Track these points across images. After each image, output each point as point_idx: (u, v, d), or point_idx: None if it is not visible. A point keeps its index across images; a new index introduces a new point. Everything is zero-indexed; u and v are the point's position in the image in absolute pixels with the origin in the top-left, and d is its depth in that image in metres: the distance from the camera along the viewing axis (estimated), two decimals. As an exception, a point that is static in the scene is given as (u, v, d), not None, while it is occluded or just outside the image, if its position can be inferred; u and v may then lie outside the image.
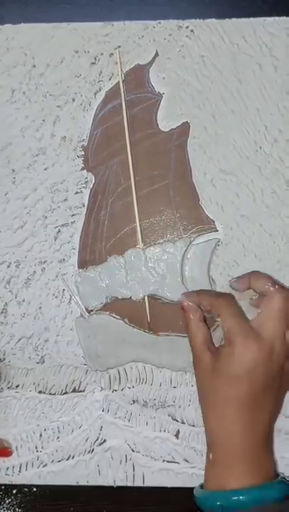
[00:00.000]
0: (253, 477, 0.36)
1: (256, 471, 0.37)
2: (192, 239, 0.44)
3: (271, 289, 0.38)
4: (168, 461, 0.43)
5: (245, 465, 0.37)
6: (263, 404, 0.37)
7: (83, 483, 0.43)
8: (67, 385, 0.44)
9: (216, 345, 0.39)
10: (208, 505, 0.37)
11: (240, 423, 0.37)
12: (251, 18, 0.45)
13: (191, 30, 0.45)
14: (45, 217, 0.45)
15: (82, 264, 0.45)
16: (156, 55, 0.45)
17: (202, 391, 0.39)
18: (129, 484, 0.43)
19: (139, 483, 0.43)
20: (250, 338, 0.37)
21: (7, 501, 0.44)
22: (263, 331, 0.37)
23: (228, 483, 0.36)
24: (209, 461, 0.38)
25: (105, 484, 0.43)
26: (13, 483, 0.44)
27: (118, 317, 0.44)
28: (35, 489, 0.44)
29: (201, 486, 0.38)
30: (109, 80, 0.45)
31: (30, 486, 0.44)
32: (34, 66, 0.46)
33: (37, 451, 0.44)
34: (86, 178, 0.45)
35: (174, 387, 0.44)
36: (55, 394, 0.44)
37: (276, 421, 0.40)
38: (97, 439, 0.44)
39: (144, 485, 0.43)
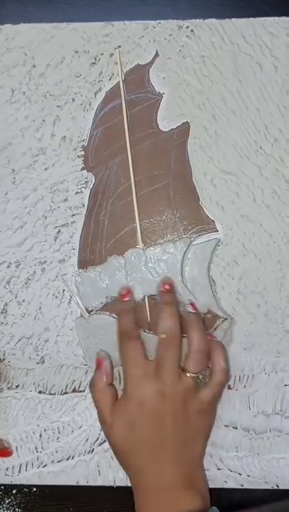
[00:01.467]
0: None
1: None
2: (192, 239, 0.44)
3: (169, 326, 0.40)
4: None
5: (164, 508, 0.37)
6: (168, 445, 0.38)
7: (83, 483, 0.43)
8: (67, 385, 0.44)
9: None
10: None
11: (149, 466, 0.38)
12: (251, 18, 0.45)
13: (191, 30, 0.45)
14: (45, 217, 0.45)
15: (82, 264, 0.45)
16: (157, 55, 0.45)
17: (113, 448, 0.40)
18: (130, 484, 0.43)
19: (139, 483, 0.43)
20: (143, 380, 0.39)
21: (7, 501, 0.44)
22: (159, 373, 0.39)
23: None
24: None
25: (105, 484, 0.43)
26: (13, 483, 0.44)
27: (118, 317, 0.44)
28: (35, 489, 0.44)
29: None
30: (110, 80, 0.45)
31: (30, 486, 0.44)
32: (34, 66, 0.46)
33: (37, 452, 0.44)
34: (86, 178, 0.45)
35: (174, 388, 0.44)
36: (55, 394, 0.44)
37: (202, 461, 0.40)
38: (97, 439, 0.44)
39: (144, 485, 0.43)
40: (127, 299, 0.42)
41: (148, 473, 0.38)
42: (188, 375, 0.39)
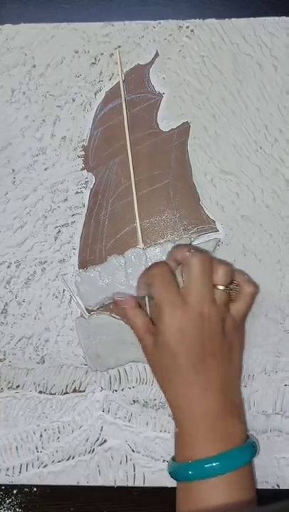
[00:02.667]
0: (219, 444, 0.37)
1: (221, 438, 0.37)
2: (192, 239, 0.44)
3: (187, 254, 0.38)
4: (168, 462, 0.43)
5: (209, 432, 0.37)
6: (211, 368, 0.37)
7: (84, 483, 0.43)
8: (67, 385, 0.44)
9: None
10: (181, 477, 0.38)
11: (192, 391, 0.37)
12: (251, 18, 0.45)
13: (192, 30, 0.45)
14: (46, 217, 0.45)
15: (83, 264, 0.45)
16: (157, 55, 0.45)
17: (154, 370, 0.40)
18: (130, 484, 0.43)
19: (139, 483, 0.43)
20: (177, 307, 0.37)
21: (7, 501, 0.44)
22: (188, 298, 0.38)
23: (194, 453, 0.37)
24: (176, 434, 0.39)
25: (106, 484, 0.43)
26: (14, 483, 0.44)
27: (118, 317, 0.44)
28: (35, 489, 0.44)
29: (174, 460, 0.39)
30: (110, 80, 0.45)
31: (30, 486, 0.44)
32: (34, 66, 0.46)
33: (37, 452, 0.44)
34: (86, 178, 0.45)
35: (175, 387, 0.44)
36: (55, 394, 0.44)
37: (241, 384, 0.41)
38: (97, 440, 0.44)
39: (145, 485, 0.43)
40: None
41: (193, 396, 0.37)
42: (219, 288, 0.38)
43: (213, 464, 0.35)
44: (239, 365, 0.41)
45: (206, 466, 0.36)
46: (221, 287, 0.38)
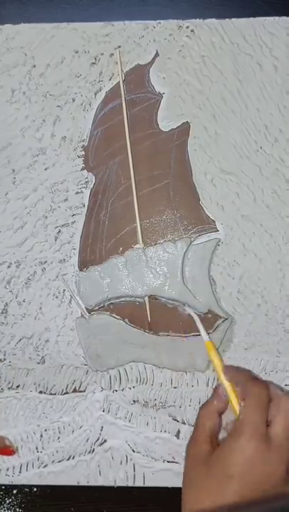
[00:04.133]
0: None
1: None
2: (192, 239, 0.44)
3: (280, 393, 0.36)
4: (168, 462, 0.43)
5: None
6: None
7: (84, 483, 0.43)
8: (67, 385, 0.44)
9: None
10: None
11: None
12: (251, 18, 0.45)
13: (192, 30, 0.45)
14: (46, 217, 0.45)
15: (83, 264, 0.45)
16: (157, 55, 0.45)
17: (187, 479, 0.37)
18: (130, 484, 0.43)
19: (139, 483, 0.43)
20: (259, 433, 0.34)
21: (7, 501, 0.44)
22: (272, 436, 0.34)
23: None
24: None
25: (106, 484, 0.43)
26: (14, 483, 0.44)
27: (118, 317, 0.44)
28: (35, 489, 0.44)
29: None
30: (110, 80, 0.45)
31: (30, 486, 0.44)
32: (34, 66, 0.46)
33: (37, 452, 0.44)
34: (86, 178, 0.45)
35: (175, 388, 0.44)
36: (55, 394, 0.44)
37: None
38: (97, 440, 0.44)
39: (145, 485, 0.43)
40: None
41: None
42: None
43: None
44: None
45: None
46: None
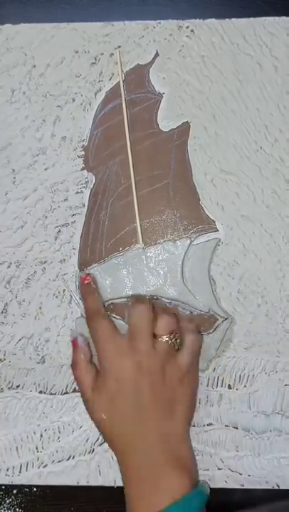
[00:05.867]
0: (163, 498, 0.35)
1: (164, 493, 0.35)
2: (192, 239, 0.44)
3: (129, 303, 0.41)
4: None
5: (152, 487, 0.36)
6: (149, 420, 0.37)
7: (84, 483, 0.43)
8: (67, 385, 0.44)
9: None
10: None
11: (133, 441, 0.37)
12: (251, 18, 0.45)
13: (192, 30, 0.45)
14: (46, 217, 0.45)
15: (83, 264, 0.45)
16: (157, 55, 0.45)
17: (93, 416, 0.40)
18: (130, 484, 0.43)
19: (139, 483, 0.43)
20: (116, 356, 0.39)
21: (7, 501, 0.44)
22: (127, 348, 0.39)
23: (141, 508, 0.36)
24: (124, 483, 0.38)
25: (106, 484, 0.43)
26: (14, 483, 0.44)
27: (118, 317, 0.44)
28: (35, 489, 0.44)
29: None
30: (110, 80, 0.45)
31: (30, 486, 0.44)
32: (34, 66, 0.46)
33: (37, 452, 0.44)
34: (86, 178, 0.45)
35: (175, 387, 0.44)
36: (55, 394, 0.44)
37: (188, 436, 0.40)
38: (97, 440, 0.44)
39: (145, 485, 0.43)
40: (86, 282, 0.43)
41: (133, 452, 0.37)
42: (160, 339, 0.39)
43: None
44: (185, 418, 0.39)
45: None
46: (163, 338, 0.39)
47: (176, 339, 0.39)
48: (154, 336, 0.39)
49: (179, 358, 0.39)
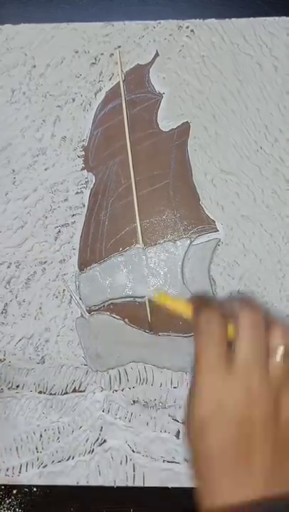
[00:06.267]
0: None
1: None
2: (192, 239, 0.44)
3: (236, 305, 0.30)
4: (168, 462, 0.43)
5: None
6: (254, 465, 0.27)
7: (83, 483, 0.43)
8: (67, 386, 0.44)
9: None
10: None
11: (224, 485, 0.28)
12: (251, 18, 0.45)
13: (192, 30, 0.45)
14: (46, 217, 0.45)
15: (83, 264, 0.45)
16: (157, 55, 0.45)
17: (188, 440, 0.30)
18: (130, 484, 0.43)
19: (139, 483, 0.43)
20: (218, 375, 0.28)
21: (7, 501, 0.44)
22: (234, 365, 0.29)
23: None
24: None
25: (106, 484, 0.43)
26: (14, 483, 0.44)
27: (118, 317, 0.44)
28: (35, 489, 0.44)
29: None
30: (110, 80, 0.45)
31: (30, 487, 0.44)
32: (34, 66, 0.46)
33: (37, 452, 0.44)
34: (86, 178, 0.45)
35: (175, 388, 0.44)
36: (55, 394, 0.44)
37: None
38: (97, 440, 0.44)
39: (145, 485, 0.43)
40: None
41: (224, 491, 0.27)
42: (277, 354, 0.29)
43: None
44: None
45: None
46: (279, 354, 0.29)
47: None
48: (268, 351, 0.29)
49: None
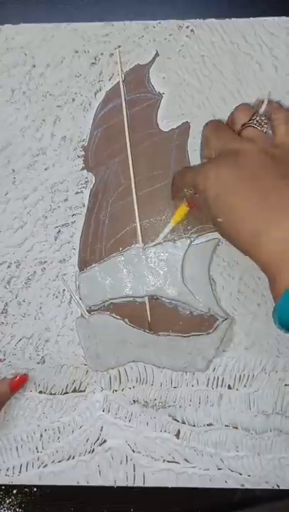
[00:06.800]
0: None
1: None
2: (192, 239, 0.44)
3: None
4: (168, 461, 0.43)
5: None
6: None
7: (83, 483, 0.43)
8: (67, 385, 0.44)
9: None
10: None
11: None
12: (251, 18, 0.45)
13: (191, 30, 0.45)
14: (46, 217, 0.45)
15: (83, 264, 0.45)
16: (157, 55, 0.45)
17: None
18: (130, 484, 0.43)
19: (139, 483, 0.43)
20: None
21: (7, 501, 0.44)
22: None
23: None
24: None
25: (106, 484, 0.43)
26: (14, 483, 0.44)
27: (118, 317, 0.44)
28: (35, 489, 0.44)
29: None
30: (110, 79, 0.45)
31: (30, 487, 0.44)
32: (34, 66, 0.46)
33: (37, 452, 0.44)
34: (86, 178, 0.45)
35: (175, 388, 0.44)
36: (55, 394, 0.44)
37: None
38: (97, 440, 0.44)
39: (145, 485, 0.43)
40: None
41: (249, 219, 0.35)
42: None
43: None
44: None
45: None
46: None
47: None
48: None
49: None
